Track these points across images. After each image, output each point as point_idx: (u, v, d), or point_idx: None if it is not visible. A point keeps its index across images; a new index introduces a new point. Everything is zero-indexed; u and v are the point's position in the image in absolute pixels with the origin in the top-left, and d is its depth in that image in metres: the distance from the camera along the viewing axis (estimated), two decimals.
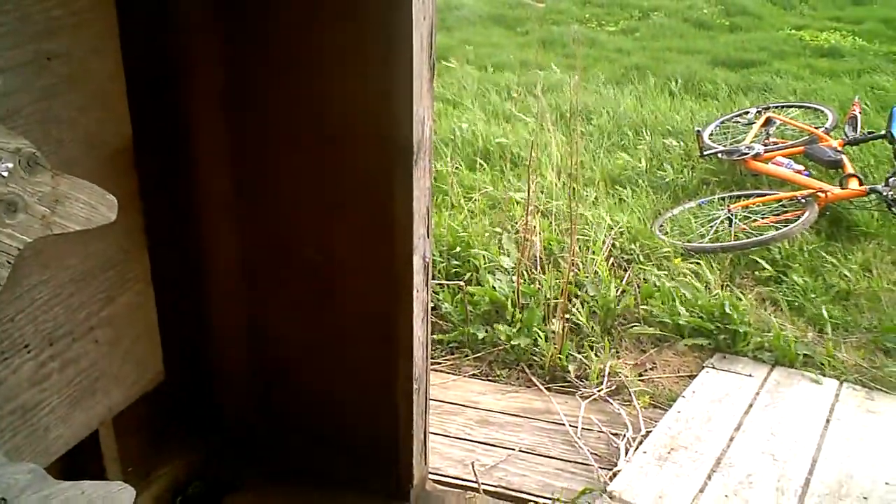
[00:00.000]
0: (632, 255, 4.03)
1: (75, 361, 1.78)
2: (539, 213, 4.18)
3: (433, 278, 3.59)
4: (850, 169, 4.73)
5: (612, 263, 3.94)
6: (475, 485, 2.43)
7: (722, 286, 3.77)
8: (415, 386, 2.12)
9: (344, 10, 1.77)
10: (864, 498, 2.40)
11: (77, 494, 1.36)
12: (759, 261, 4.03)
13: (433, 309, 3.44)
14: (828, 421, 2.83)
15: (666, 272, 3.84)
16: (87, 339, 1.81)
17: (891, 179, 4.45)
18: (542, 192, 4.45)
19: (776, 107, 5.92)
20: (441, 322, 3.43)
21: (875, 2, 10.20)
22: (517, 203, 4.33)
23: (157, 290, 2.01)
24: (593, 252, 3.88)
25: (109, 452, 1.91)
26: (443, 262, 3.72)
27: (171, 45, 1.87)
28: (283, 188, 1.99)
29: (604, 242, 4.01)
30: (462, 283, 3.52)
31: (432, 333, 3.39)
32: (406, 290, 2.01)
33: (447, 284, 3.57)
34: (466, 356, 3.30)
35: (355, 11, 1.76)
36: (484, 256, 3.71)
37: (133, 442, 2.06)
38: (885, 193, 4.34)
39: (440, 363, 3.26)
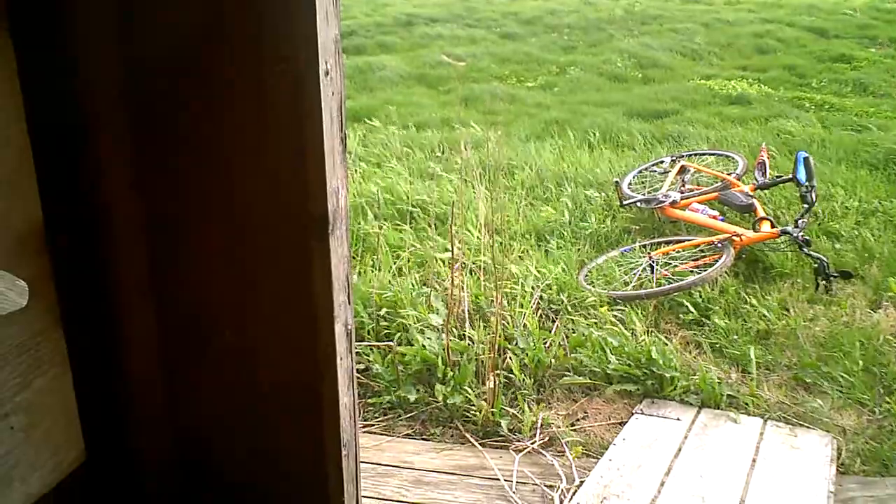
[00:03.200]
0: (559, 305, 4.10)
1: None
2: (466, 270, 4.23)
3: (362, 340, 3.60)
4: (761, 212, 4.93)
5: (541, 315, 3.99)
6: None
7: (647, 332, 3.85)
8: (344, 452, 2.10)
9: (251, 90, 1.79)
10: None
11: None
12: (682, 305, 4.14)
13: (364, 371, 3.44)
14: (754, 460, 2.90)
15: (593, 321, 3.91)
16: (2, 425, 1.76)
17: (800, 221, 4.65)
18: (468, 249, 4.51)
19: (690, 155, 6.15)
20: (372, 383, 3.41)
21: (779, 50, 10.75)
22: (444, 261, 4.37)
23: (74, 373, 1.96)
24: (521, 305, 3.93)
25: None
26: (371, 324, 3.72)
27: (79, 126, 1.87)
28: (198, 268, 1.98)
29: (531, 295, 4.07)
30: (392, 343, 3.53)
31: (364, 396, 3.38)
32: (329, 359, 2.00)
33: (377, 346, 3.57)
34: (400, 416, 3.29)
35: (264, 92, 1.79)
36: (413, 315, 3.72)
37: None
38: (795, 234, 4.52)
39: (373, 424, 3.24)
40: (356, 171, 6.24)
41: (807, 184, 4.89)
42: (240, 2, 1.74)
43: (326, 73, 1.80)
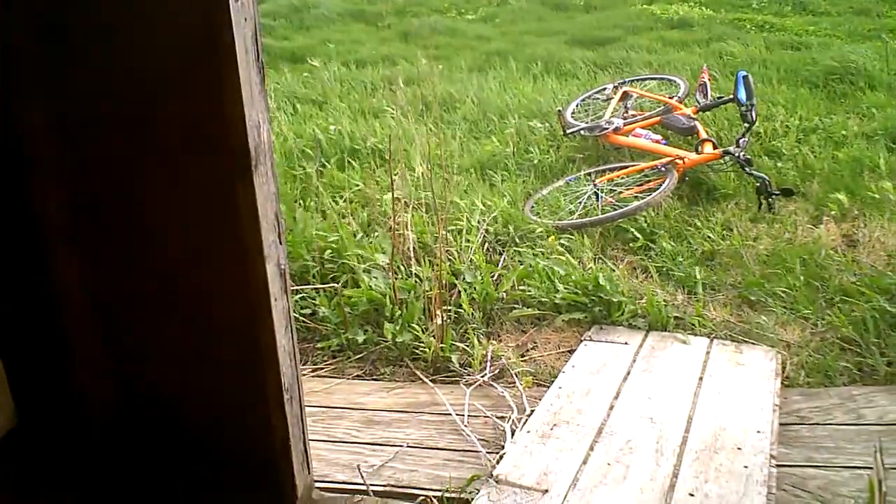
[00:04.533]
0: (506, 238, 4.07)
1: None
2: (411, 207, 4.17)
3: (307, 284, 3.54)
4: (703, 134, 4.93)
5: (488, 249, 3.96)
6: (363, 487, 2.39)
7: (594, 260, 3.85)
8: (286, 396, 2.06)
9: (165, 25, 1.69)
10: (738, 448, 2.49)
11: None
12: (628, 231, 4.14)
13: (311, 315, 3.39)
14: (700, 378, 2.94)
15: (540, 252, 3.90)
16: None
17: (741, 140, 4.65)
18: (412, 186, 4.44)
19: (632, 81, 6.11)
20: (319, 327, 3.36)
21: None
22: (387, 200, 4.30)
23: (1, 333, 1.88)
24: (468, 240, 3.89)
25: None
26: (316, 267, 3.65)
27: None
28: (123, 212, 1.89)
29: (477, 229, 4.03)
30: (337, 285, 3.47)
31: (312, 340, 3.34)
32: (264, 300, 1.94)
33: (322, 288, 3.51)
34: (349, 358, 3.25)
35: (176, 18, 1.69)
36: (358, 256, 3.66)
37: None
38: (737, 154, 4.53)
39: (322, 368, 3.20)
40: (296, 111, 6.10)
41: (747, 103, 4.88)
42: None
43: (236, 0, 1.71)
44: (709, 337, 3.27)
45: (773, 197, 4.34)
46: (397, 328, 3.24)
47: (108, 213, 1.89)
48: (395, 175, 4.00)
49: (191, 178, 1.84)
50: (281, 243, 2.02)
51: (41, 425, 2.05)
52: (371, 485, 2.42)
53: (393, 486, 2.44)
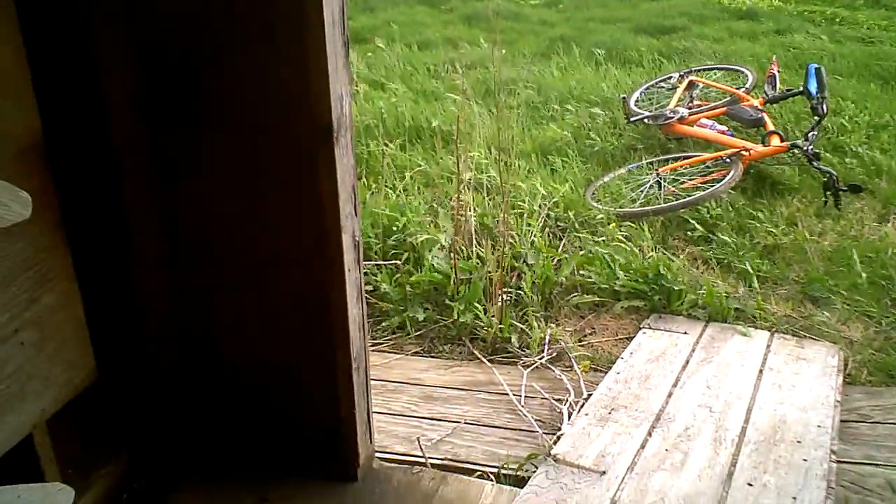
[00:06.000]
0: (567, 223, 4.08)
1: (1, 366, 1.73)
2: (472, 189, 4.19)
3: (370, 260, 3.59)
4: (770, 126, 4.86)
5: (548, 233, 3.98)
6: (422, 459, 2.44)
7: (654, 248, 3.84)
8: (354, 365, 2.12)
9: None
10: (798, 442, 2.48)
11: (13, 498, 1.33)
12: (689, 221, 4.12)
13: (373, 291, 3.44)
14: (761, 371, 2.92)
15: (601, 239, 3.90)
16: (12, 342, 1.77)
17: (810, 134, 4.57)
18: (473, 168, 4.47)
19: (698, 70, 6.04)
20: (381, 303, 3.42)
21: None
22: (451, 180, 4.33)
23: (83, 288, 1.96)
24: (528, 223, 3.91)
25: (46, 455, 1.87)
26: (379, 244, 3.71)
27: (79, 29, 1.81)
28: (206, 175, 1.96)
29: (538, 213, 4.04)
30: (399, 262, 3.52)
31: (372, 316, 3.40)
32: (338, 270, 2.00)
33: (385, 265, 3.57)
34: (408, 335, 3.30)
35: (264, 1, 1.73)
36: (420, 235, 3.71)
37: (71, 443, 2.01)
38: (805, 148, 4.46)
39: (382, 343, 3.26)
40: (358, 91, 6.16)
41: (818, 95, 4.80)
42: None
43: None
44: (769, 330, 3.24)
45: (840, 193, 4.26)
46: (459, 307, 3.28)
47: (188, 170, 1.96)
48: (457, 155, 4.02)
49: (273, 145, 1.90)
50: (356, 215, 2.07)
51: (115, 382, 2.14)
52: (429, 458, 2.47)
53: (451, 460, 2.48)
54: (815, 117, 4.73)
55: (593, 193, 4.45)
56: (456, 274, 3.45)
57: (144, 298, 2.14)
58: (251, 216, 1.98)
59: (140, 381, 2.23)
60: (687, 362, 2.97)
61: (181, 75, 1.84)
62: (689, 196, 4.27)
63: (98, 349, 2.05)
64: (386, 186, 4.34)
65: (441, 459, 2.48)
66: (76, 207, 1.90)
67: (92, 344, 2.04)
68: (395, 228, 3.76)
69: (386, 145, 4.88)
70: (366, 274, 3.53)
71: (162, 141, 1.92)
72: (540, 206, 4.12)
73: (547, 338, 3.18)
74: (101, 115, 1.87)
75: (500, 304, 3.25)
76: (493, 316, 3.25)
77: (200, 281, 2.09)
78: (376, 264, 3.56)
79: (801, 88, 4.98)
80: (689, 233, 4.06)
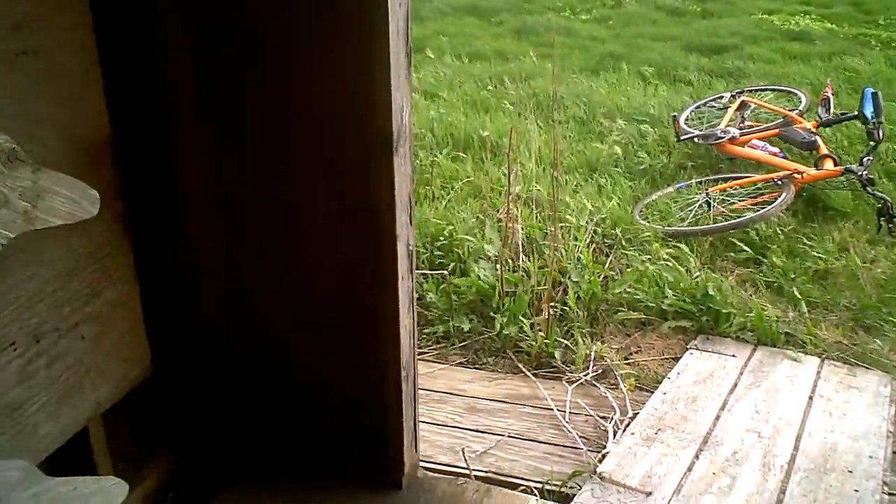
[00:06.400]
0: (614, 240, 4.05)
1: (62, 358, 1.76)
2: (520, 202, 4.19)
3: (417, 268, 3.60)
4: (824, 150, 4.79)
5: (595, 249, 3.95)
6: (466, 471, 2.44)
7: (703, 269, 3.80)
8: (403, 374, 2.12)
9: (322, 5, 1.76)
10: (849, 471, 2.43)
11: (69, 491, 1.35)
12: (738, 243, 4.07)
13: (418, 300, 3.43)
14: (811, 398, 2.87)
15: (648, 256, 3.87)
16: (73, 334, 1.80)
17: (865, 159, 4.50)
18: (522, 181, 4.46)
19: (750, 90, 5.97)
20: (426, 312, 3.43)
21: None
22: (499, 192, 4.33)
23: (140, 285, 2.00)
24: (576, 238, 3.89)
25: (99, 448, 1.90)
26: (426, 253, 3.72)
27: (147, 40, 1.85)
28: (263, 181, 1.98)
29: (586, 229, 4.02)
30: (446, 272, 3.53)
31: (418, 324, 3.40)
32: (391, 278, 2.01)
33: (431, 274, 3.57)
34: (453, 345, 3.30)
35: (333, 8, 1.75)
36: (467, 246, 3.71)
37: (123, 438, 2.04)
38: (859, 173, 4.39)
39: (426, 353, 3.26)
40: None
41: (874, 120, 4.73)
42: None
43: None
44: (820, 357, 3.18)
45: (895, 219, 4.19)
46: (504, 319, 3.27)
47: (245, 170, 1.98)
48: (509, 168, 4.02)
49: (334, 152, 1.92)
50: (411, 224, 2.08)
51: (168, 379, 2.17)
52: (473, 470, 2.46)
53: (495, 473, 2.48)
54: (871, 142, 4.66)
55: (641, 211, 4.42)
56: (502, 286, 3.44)
57: (199, 298, 2.17)
58: (308, 219, 2.00)
59: (192, 379, 2.26)
60: (735, 385, 2.93)
61: (243, 80, 1.87)
62: (739, 217, 4.22)
63: (153, 345, 2.08)
64: (435, 196, 4.35)
65: (485, 472, 2.47)
66: (138, 206, 1.94)
67: (148, 340, 2.07)
68: (442, 238, 3.77)
69: (436, 155, 4.89)
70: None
71: (222, 143, 1.94)
72: (587, 222, 4.10)
73: (592, 354, 3.16)
74: (163, 119, 1.91)
75: (545, 317, 3.24)
76: (538, 330, 3.24)
77: (255, 283, 2.11)
78: (423, 273, 3.57)
79: (857, 112, 4.91)
80: (737, 254, 4.01)
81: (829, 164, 4.61)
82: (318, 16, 1.77)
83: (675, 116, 5.42)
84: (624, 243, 4.02)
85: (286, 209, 2.00)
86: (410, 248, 2.09)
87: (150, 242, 2.00)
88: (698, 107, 5.83)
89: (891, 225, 4.19)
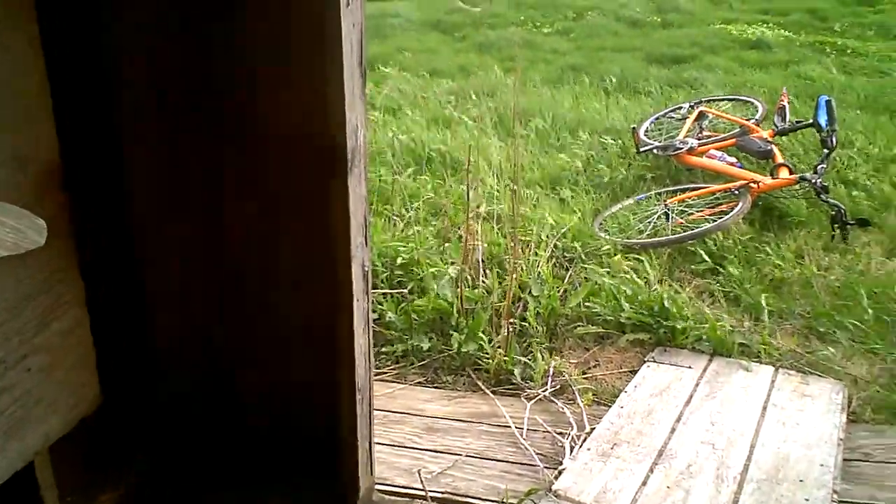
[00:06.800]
0: (574, 254, 4.09)
1: (8, 390, 1.75)
2: (481, 218, 4.22)
3: (376, 288, 3.61)
4: (780, 159, 4.87)
5: (555, 264, 3.99)
6: (422, 492, 2.45)
7: (661, 281, 3.85)
8: (358, 396, 2.13)
9: (275, 19, 1.76)
10: (801, 480, 2.48)
11: None
12: (697, 253, 4.12)
13: (377, 319, 3.46)
14: (764, 407, 2.92)
15: (607, 269, 3.91)
16: (21, 367, 1.78)
17: (819, 167, 4.58)
18: (483, 196, 4.49)
19: (708, 101, 6.06)
20: (385, 332, 3.44)
21: None
22: (460, 209, 4.36)
23: (91, 312, 1.99)
24: (536, 253, 3.93)
25: (46, 481, 1.88)
26: (385, 272, 3.73)
27: (100, 64, 1.85)
28: (217, 201, 1.98)
29: (546, 243, 4.06)
30: (405, 291, 3.54)
31: (377, 344, 3.41)
32: (346, 299, 2.02)
33: (390, 293, 3.58)
34: (412, 364, 3.31)
35: (286, 21, 1.76)
36: (427, 264, 3.72)
37: (72, 469, 2.02)
38: (814, 181, 4.46)
39: (385, 372, 3.27)
40: (372, 118, 6.21)
41: (828, 128, 4.81)
42: None
43: (347, 4, 1.77)
44: (774, 366, 3.24)
45: (848, 227, 4.27)
46: (462, 337, 3.29)
47: (202, 203, 1.98)
48: (468, 185, 4.05)
49: (287, 172, 1.92)
50: (367, 245, 2.09)
51: (119, 406, 2.15)
52: (430, 491, 2.47)
53: (451, 493, 2.48)
54: (825, 150, 4.74)
55: (601, 224, 4.46)
56: (462, 303, 3.46)
57: (152, 323, 2.16)
58: (263, 240, 2.00)
59: (143, 407, 2.25)
60: (690, 397, 2.97)
61: (198, 103, 1.87)
62: (697, 228, 4.28)
63: (104, 374, 2.07)
64: (395, 214, 4.36)
65: (441, 493, 2.48)
66: (89, 234, 1.93)
67: (98, 370, 2.06)
68: (402, 257, 3.78)
69: (397, 173, 4.91)
70: (371, 301, 3.56)
71: (176, 167, 1.94)
72: (548, 237, 4.13)
73: (551, 370, 3.19)
74: (116, 144, 1.90)
75: (506, 334, 3.26)
76: (497, 347, 3.26)
77: (207, 307, 2.11)
78: (383, 293, 3.58)
79: (812, 121, 4.99)
80: (695, 265, 4.07)
81: (784, 173, 4.69)
82: (271, 36, 1.77)
83: (634, 128, 5.48)
84: (584, 257, 4.06)
85: (242, 229, 2.01)
86: (366, 268, 2.10)
87: (102, 270, 1.99)
88: (658, 118, 5.90)
89: (844, 232, 4.26)
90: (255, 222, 1.99)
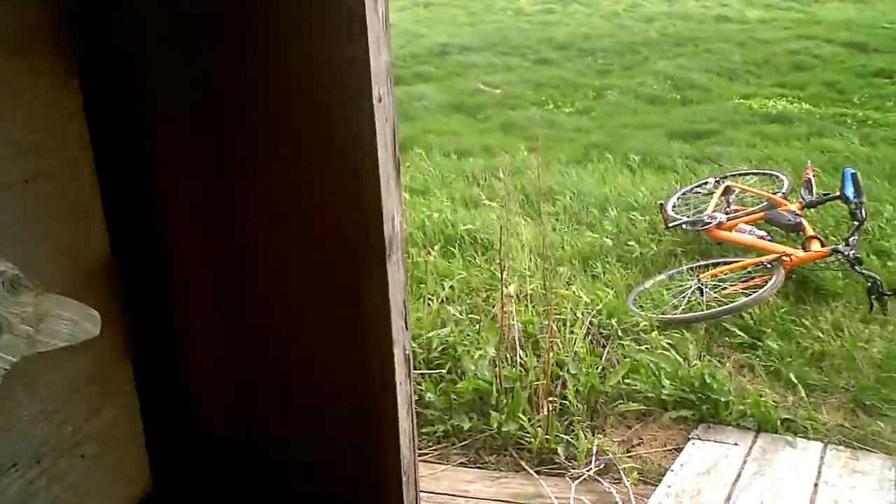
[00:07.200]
0: (610, 330, 4.08)
1: (61, 478, 1.75)
2: (515, 297, 4.23)
3: (415, 369, 3.61)
4: (810, 231, 4.87)
5: (591, 341, 3.98)
6: None
7: (700, 356, 3.82)
8: (404, 478, 2.11)
9: (309, 121, 1.83)
10: None
11: None
12: (733, 328, 4.10)
13: (417, 400, 3.44)
14: (815, 485, 2.86)
15: (644, 346, 3.89)
16: (73, 454, 1.79)
17: (850, 239, 4.58)
18: (516, 275, 4.51)
19: (733, 175, 6.11)
20: (426, 412, 3.42)
21: (817, 66, 10.64)
22: (492, 288, 4.38)
23: (142, 401, 2.01)
24: (572, 331, 3.92)
25: None
26: (423, 353, 3.73)
27: (146, 158, 1.91)
28: (262, 294, 2.01)
29: (582, 321, 4.05)
30: (444, 371, 3.54)
31: (417, 424, 3.39)
32: (389, 384, 2.01)
33: (429, 374, 3.58)
34: (454, 445, 3.29)
35: (320, 118, 1.82)
36: (463, 344, 3.72)
37: None
38: (846, 253, 4.45)
39: (427, 453, 3.24)
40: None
41: (856, 200, 4.82)
42: (293, 27, 1.79)
43: (379, 100, 1.84)
44: (822, 441, 3.18)
45: (885, 297, 4.24)
46: (503, 417, 3.27)
47: (247, 295, 2.02)
48: (501, 264, 4.07)
49: (328, 265, 1.96)
50: (406, 329, 2.10)
51: (169, 493, 2.15)
52: None
53: None
54: (855, 222, 4.75)
55: (635, 300, 4.46)
56: (500, 382, 3.45)
57: (200, 411, 2.17)
58: (306, 330, 2.02)
59: (193, 492, 2.24)
60: (739, 475, 2.92)
61: (243, 207, 1.92)
62: (732, 302, 4.27)
63: (154, 459, 2.08)
64: (429, 294, 4.39)
65: None
66: (139, 320, 1.97)
67: (149, 457, 2.07)
68: (438, 337, 3.79)
69: (428, 253, 4.96)
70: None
71: (218, 247, 1.98)
72: (583, 314, 4.13)
73: (594, 448, 3.15)
74: (164, 242, 1.96)
75: (546, 413, 3.24)
76: (538, 426, 3.23)
77: (256, 396, 2.12)
78: (421, 373, 3.58)
79: (839, 193, 5.01)
80: (733, 340, 4.04)
81: (816, 246, 4.69)
82: (308, 134, 1.83)
83: (662, 204, 5.52)
84: (620, 333, 4.04)
85: (285, 323, 2.03)
86: (407, 352, 2.11)
87: (150, 358, 2.02)
88: (684, 193, 5.94)
89: (882, 303, 4.23)
90: (296, 312, 2.02)
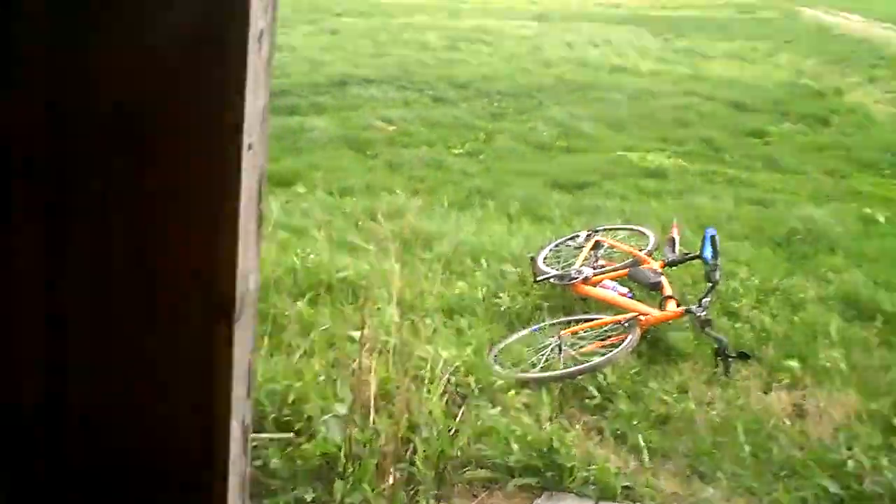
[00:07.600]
0: (467, 389, 4.12)
1: None
2: (376, 351, 4.22)
3: (262, 431, 3.56)
4: (668, 291, 5.06)
5: (448, 400, 4.00)
6: None
7: (551, 418, 3.90)
8: None
9: (172, 158, 1.79)
10: None
11: None
12: (589, 387, 4.20)
13: (261, 467, 3.39)
14: None
15: (499, 407, 3.94)
16: None
17: (703, 300, 4.77)
18: (381, 328, 4.51)
19: (604, 229, 6.30)
20: (269, 480, 3.36)
21: (697, 123, 11.14)
22: (354, 341, 4.36)
23: None
24: (429, 390, 3.94)
25: None
26: (273, 413, 3.68)
27: None
28: (97, 347, 1.95)
29: (440, 379, 4.08)
30: (292, 434, 3.50)
31: (259, 496, 3.33)
32: (221, 459, 1.99)
33: (276, 438, 3.53)
34: None
35: (184, 161, 1.79)
36: (317, 403, 3.69)
37: None
38: (698, 314, 4.64)
39: None
40: (276, 240, 6.22)
41: (712, 262, 5.02)
42: (171, 70, 1.76)
43: (249, 147, 1.81)
44: None
45: (730, 360, 4.43)
46: (347, 487, 3.25)
47: (83, 349, 1.95)
48: (365, 315, 4.07)
49: (170, 319, 1.91)
50: (248, 398, 2.08)
51: None
52: None
53: None
54: (709, 283, 4.94)
55: (496, 356, 4.53)
56: (350, 447, 3.43)
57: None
58: (140, 395, 1.97)
59: None
60: None
61: (96, 240, 1.86)
62: (588, 361, 4.39)
63: None
64: (288, 346, 4.34)
65: None
66: None
67: None
68: (291, 396, 3.74)
69: (295, 302, 4.91)
70: (255, 447, 3.49)
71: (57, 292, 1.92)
72: (441, 371, 4.16)
73: None
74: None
75: (391, 482, 3.24)
76: (383, 496, 3.23)
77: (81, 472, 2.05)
78: (269, 437, 3.53)
79: (698, 253, 5.21)
80: (585, 400, 4.15)
81: (671, 306, 4.87)
82: (169, 172, 1.79)
83: (532, 257, 5.63)
84: (477, 392, 4.09)
85: (117, 388, 1.97)
86: (246, 425, 2.08)
87: None
88: (556, 245, 6.09)
89: (726, 365, 4.42)
90: (130, 374, 1.97)
